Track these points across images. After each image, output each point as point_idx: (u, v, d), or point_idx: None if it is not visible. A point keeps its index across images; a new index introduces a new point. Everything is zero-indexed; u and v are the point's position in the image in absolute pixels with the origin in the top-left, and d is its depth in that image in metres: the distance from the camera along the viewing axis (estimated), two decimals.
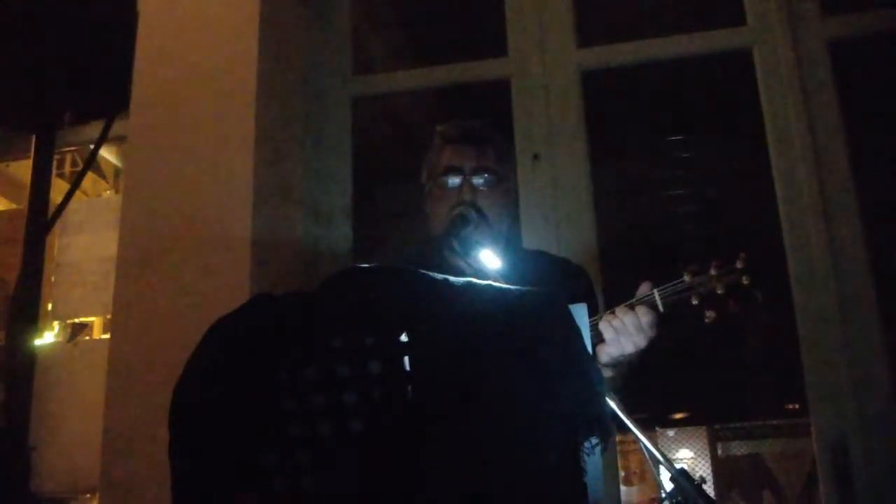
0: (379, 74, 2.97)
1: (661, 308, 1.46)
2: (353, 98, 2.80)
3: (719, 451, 6.71)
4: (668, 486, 1.12)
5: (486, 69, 2.78)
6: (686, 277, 1.44)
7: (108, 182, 3.55)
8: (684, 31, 2.67)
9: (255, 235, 2.16)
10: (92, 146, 1.76)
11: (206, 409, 0.87)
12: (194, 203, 2.21)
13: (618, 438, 2.65)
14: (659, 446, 1.20)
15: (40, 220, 1.38)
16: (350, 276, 0.94)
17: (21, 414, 1.31)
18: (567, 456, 0.86)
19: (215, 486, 0.84)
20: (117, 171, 3.38)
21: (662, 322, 1.48)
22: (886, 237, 2.53)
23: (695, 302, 1.43)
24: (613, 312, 1.48)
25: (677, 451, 6.64)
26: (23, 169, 3.17)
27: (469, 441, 0.83)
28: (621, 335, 1.46)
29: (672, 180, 4.85)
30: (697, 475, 1.13)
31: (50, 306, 2.75)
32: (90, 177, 3.37)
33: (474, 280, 0.94)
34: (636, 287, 1.51)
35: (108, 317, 2.58)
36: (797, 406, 5.78)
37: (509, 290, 0.95)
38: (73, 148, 3.08)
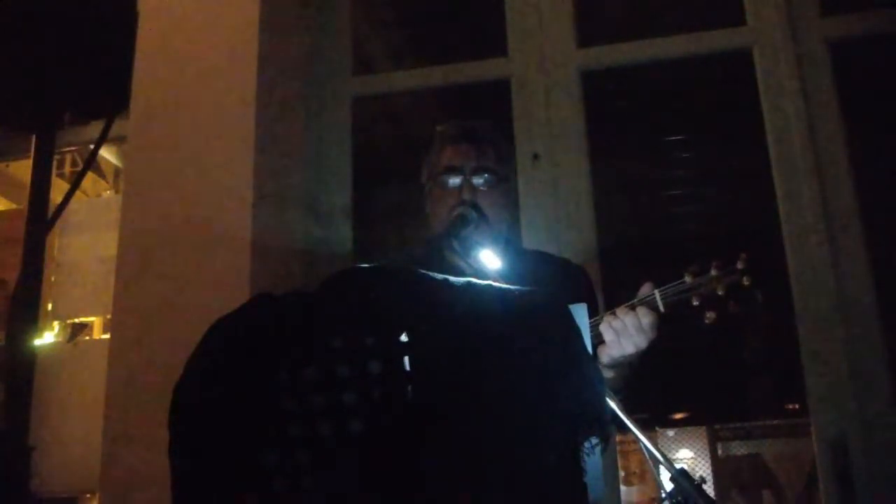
0: (379, 74, 2.98)
1: (661, 309, 1.46)
2: (353, 98, 2.80)
3: (719, 451, 6.70)
4: (668, 486, 1.12)
5: (486, 69, 2.79)
6: (687, 278, 1.44)
7: (108, 182, 3.55)
8: (684, 31, 2.67)
9: (255, 235, 2.16)
10: (92, 146, 1.75)
11: (206, 409, 0.87)
12: (194, 203, 2.21)
13: (618, 438, 2.65)
14: (659, 446, 1.19)
15: (40, 220, 1.38)
16: (350, 276, 0.94)
17: (21, 414, 1.31)
18: (567, 456, 0.86)
19: (215, 486, 0.84)
20: (117, 171, 3.39)
21: (663, 323, 1.48)
22: (886, 237, 2.53)
23: (695, 303, 1.43)
24: (614, 313, 1.48)
25: (677, 451, 6.63)
26: (23, 169, 3.17)
27: (469, 441, 0.83)
28: (621, 336, 1.46)
29: (672, 180, 4.85)
30: (697, 475, 1.13)
31: (50, 306, 2.75)
32: (90, 177, 3.37)
33: (474, 280, 0.94)
34: (636, 287, 1.51)
35: (108, 317, 2.58)
36: (797, 406, 5.78)
37: (509, 290, 0.95)
38: (73, 148, 3.08)
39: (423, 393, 0.84)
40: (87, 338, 2.98)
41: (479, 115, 1.85)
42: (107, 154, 3.19)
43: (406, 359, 0.85)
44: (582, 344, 0.96)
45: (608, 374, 1.53)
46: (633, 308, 1.47)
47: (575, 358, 0.92)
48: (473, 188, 1.71)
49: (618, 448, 2.66)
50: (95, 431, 2.11)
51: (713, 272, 1.42)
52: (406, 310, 0.88)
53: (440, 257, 1.74)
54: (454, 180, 1.73)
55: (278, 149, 2.41)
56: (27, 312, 1.33)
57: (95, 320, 3.02)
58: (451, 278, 0.92)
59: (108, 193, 3.47)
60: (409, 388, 0.84)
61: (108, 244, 2.62)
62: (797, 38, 2.51)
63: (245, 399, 0.85)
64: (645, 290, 1.49)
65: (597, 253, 2.47)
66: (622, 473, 6.05)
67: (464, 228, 1.62)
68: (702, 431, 6.70)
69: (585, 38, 2.70)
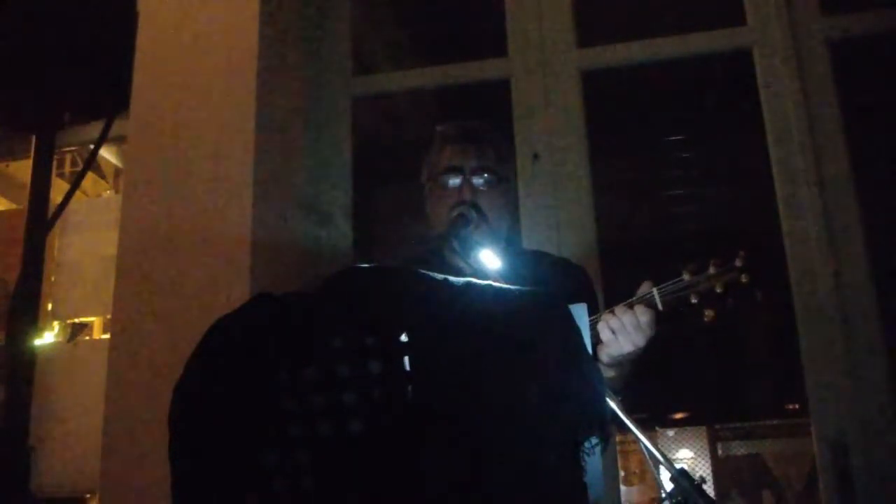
0: (379, 74, 2.98)
1: (659, 307, 1.46)
2: (353, 98, 2.80)
3: (719, 451, 6.71)
4: (668, 486, 1.12)
5: (486, 69, 2.79)
6: (685, 276, 1.44)
7: (108, 182, 3.55)
8: (684, 31, 2.67)
9: (255, 235, 2.16)
10: (92, 146, 1.75)
11: (206, 409, 0.87)
12: (194, 203, 2.21)
13: (618, 438, 2.65)
14: (659, 446, 1.19)
15: (40, 220, 1.38)
16: (350, 276, 0.94)
17: (21, 414, 1.31)
18: (567, 456, 0.86)
19: (215, 485, 0.84)
20: (117, 171, 3.39)
21: (662, 321, 1.48)
22: (886, 237, 2.53)
23: (694, 301, 1.43)
24: (612, 312, 1.48)
25: (677, 451, 6.64)
26: (23, 169, 3.17)
27: (469, 441, 0.83)
28: (620, 335, 1.46)
29: (672, 180, 4.85)
30: (697, 475, 1.13)
31: (50, 306, 2.75)
32: (90, 177, 3.37)
33: (474, 280, 0.94)
34: (636, 286, 1.51)
35: (108, 317, 2.58)
36: (797, 406, 5.78)
37: (509, 290, 0.95)
38: (73, 148, 3.08)
39: (423, 393, 0.84)
40: (87, 338, 2.98)
41: (479, 115, 1.85)
42: (107, 154, 3.19)
43: (406, 359, 0.85)
44: (582, 343, 0.96)
45: (609, 373, 1.53)
46: (630, 307, 1.47)
47: (575, 358, 0.92)
48: (473, 188, 1.71)
49: (618, 448, 2.66)
50: (95, 431, 2.11)
51: (711, 270, 1.42)
52: (406, 310, 0.88)
53: (440, 257, 1.74)
54: (454, 180, 1.72)
55: (278, 149, 2.41)
56: (27, 312, 1.33)
57: (95, 320, 3.02)
58: (451, 278, 0.92)
59: (108, 193, 3.47)
60: (409, 388, 0.84)
61: (108, 244, 2.62)
62: (797, 38, 2.51)
63: (245, 399, 0.85)
64: (644, 288, 1.49)
65: (597, 253, 2.47)
66: (622, 473, 6.05)
67: (464, 228, 1.62)
68: (702, 431, 6.70)
69: (585, 38, 2.70)
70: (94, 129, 1.48)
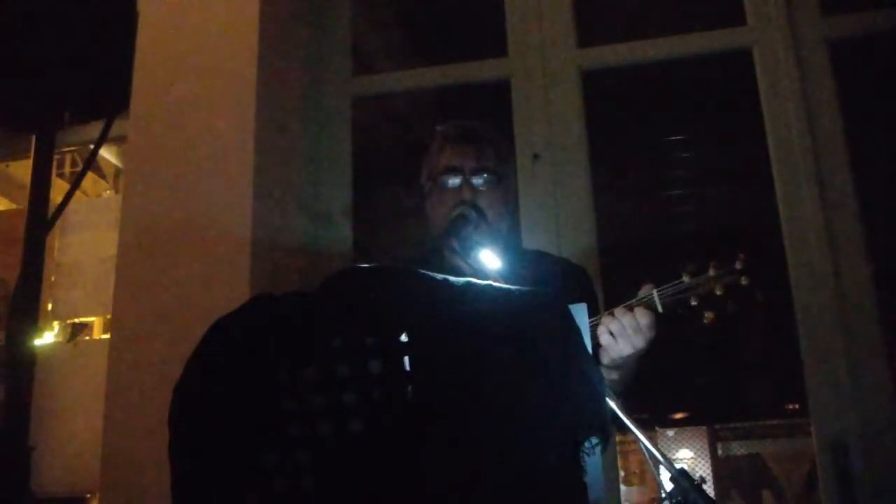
0: (379, 74, 2.98)
1: (659, 309, 1.46)
2: (353, 98, 2.80)
3: (719, 451, 6.71)
4: (668, 486, 1.12)
5: (486, 69, 2.79)
6: (685, 278, 1.44)
7: (108, 182, 3.55)
8: (684, 31, 2.67)
9: (255, 235, 2.16)
10: (92, 146, 1.75)
11: (206, 409, 0.87)
12: (194, 203, 2.21)
13: (618, 438, 2.65)
14: (659, 446, 1.19)
15: (40, 220, 1.38)
16: (350, 276, 0.94)
17: (21, 414, 1.31)
18: (567, 456, 0.86)
19: (215, 485, 0.84)
20: (117, 171, 3.39)
21: (661, 323, 1.48)
22: (886, 237, 2.53)
23: (693, 303, 1.43)
24: (612, 314, 1.48)
25: (677, 451, 6.63)
26: (23, 169, 3.17)
27: (469, 441, 0.83)
28: (620, 337, 1.46)
29: (672, 180, 4.85)
30: (697, 475, 1.13)
31: (50, 306, 2.75)
32: (90, 177, 3.37)
33: (474, 280, 0.94)
34: (635, 287, 1.51)
35: (108, 317, 2.58)
36: (797, 406, 5.78)
37: (509, 290, 0.95)
38: (73, 148, 3.08)
39: (423, 393, 0.84)
40: (87, 338, 2.98)
41: (479, 115, 1.85)
42: (107, 154, 3.19)
43: (406, 359, 0.85)
44: (582, 344, 0.96)
45: (611, 376, 1.53)
46: (630, 309, 1.47)
47: (575, 358, 0.92)
48: (473, 188, 1.71)
49: (618, 448, 2.66)
50: (95, 431, 2.11)
51: (711, 272, 1.42)
52: (406, 310, 0.88)
53: (440, 257, 1.74)
54: (454, 180, 1.72)
55: (278, 149, 2.41)
56: (27, 312, 1.33)
57: (95, 320, 3.02)
58: (451, 278, 0.92)
59: (108, 193, 3.47)
60: (409, 388, 0.84)
61: (108, 244, 2.62)
62: (797, 38, 2.51)
63: (245, 399, 0.85)
64: (645, 290, 1.49)
65: (597, 253, 2.47)
66: (622, 473, 6.05)
67: (464, 228, 1.62)
68: (702, 431, 6.70)
69: (585, 38, 2.70)
70: (94, 129, 1.48)
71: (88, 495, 2.55)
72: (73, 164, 3.42)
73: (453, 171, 1.73)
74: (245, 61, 2.32)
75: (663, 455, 1.17)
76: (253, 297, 0.93)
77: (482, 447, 0.83)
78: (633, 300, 1.48)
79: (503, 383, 0.85)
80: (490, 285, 0.95)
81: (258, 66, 2.32)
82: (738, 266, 1.41)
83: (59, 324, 2.89)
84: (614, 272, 2.46)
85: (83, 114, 1.51)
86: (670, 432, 6.77)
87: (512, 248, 1.80)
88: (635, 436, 1.20)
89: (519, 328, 0.90)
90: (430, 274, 0.92)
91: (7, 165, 3.41)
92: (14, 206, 3.50)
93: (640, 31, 2.71)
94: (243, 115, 2.27)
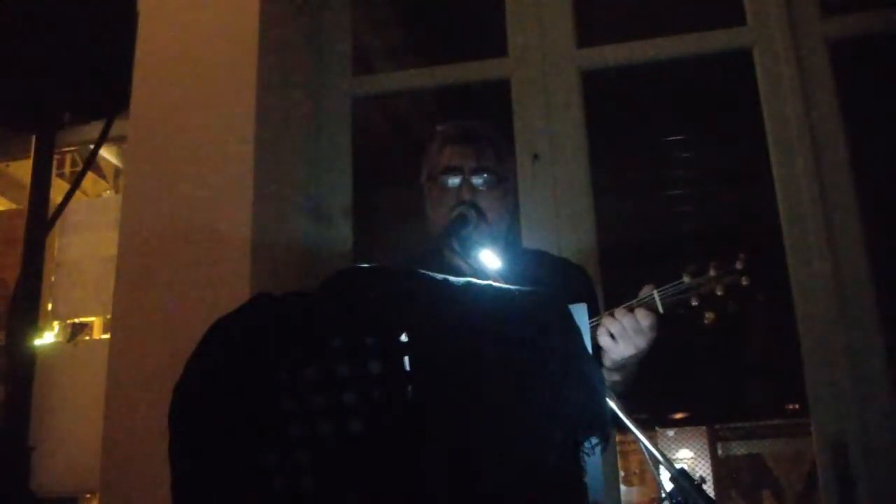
0: (379, 74, 2.98)
1: (660, 310, 1.46)
2: (353, 98, 2.80)
3: (719, 451, 6.70)
4: (668, 486, 1.12)
5: (486, 69, 2.79)
6: (685, 278, 1.44)
7: (108, 182, 3.55)
8: (684, 31, 2.67)
9: (255, 235, 2.16)
10: (92, 146, 1.75)
11: (206, 409, 0.87)
12: (194, 203, 2.21)
13: (618, 438, 2.65)
14: (659, 446, 1.19)
15: (40, 220, 1.38)
16: (350, 276, 0.94)
17: (21, 414, 1.31)
18: (567, 456, 0.86)
19: (215, 485, 0.84)
20: (117, 171, 3.39)
21: (662, 323, 1.48)
22: (886, 237, 2.53)
23: (694, 303, 1.43)
24: (612, 315, 1.48)
25: (677, 451, 6.63)
26: (23, 169, 3.17)
27: (469, 441, 0.83)
28: (621, 338, 1.45)
29: (672, 180, 4.85)
30: (697, 475, 1.13)
31: (50, 306, 2.75)
32: (90, 177, 3.37)
33: (474, 280, 0.94)
34: (636, 287, 1.51)
35: (108, 317, 2.58)
36: (797, 406, 5.78)
37: (509, 290, 0.95)
38: (73, 148, 3.08)
39: (423, 393, 0.84)
40: (87, 338, 2.98)
41: (479, 115, 1.85)
42: (107, 154, 3.19)
43: (406, 359, 0.85)
44: (582, 344, 0.96)
45: (614, 377, 1.53)
46: (631, 310, 1.47)
47: (575, 358, 0.92)
48: (473, 188, 1.71)
49: (618, 448, 2.66)
50: (95, 431, 2.11)
51: (712, 272, 1.42)
52: (406, 310, 0.88)
53: (440, 257, 1.74)
54: (454, 180, 1.72)
55: (278, 149, 2.41)
56: (27, 312, 1.33)
57: (95, 320, 3.02)
58: (451, 278, 0.92)
59: (108, 193, 3.47)
60: (409, 388, 0.84)
61: (108, 244, 2.62)
62: (797, 38, 2.51)
63: (245, 399, 0.85)
64: (646, 291, 1.49)
65: (597, 253, 2.47)
66: (622, 473, 6.05)
67: (463, 228, 1.62)
68: (702, 431, 6.70)
69: (585, 38, 2.70)
70: (94, 129, 1.48)
71: (88, 495, 2.56)
72: (73, 164, 3.42)
73: (453, 170, 1.73)
74: (245, 61, 2.32)
75: (663, 455, 1.17)
76: (253, 297, 0.93)
77: (482, 447, 0.83)
78: (634, 301, 1.48)
79: (503, 383, 0.85)
80: (490, 285, 0.95)
81: (258, 66, 2.32)
82: (738, 266, 1.41)
83: (59, 324, 2.89)
84: (614, 272, 2.46)
85: (83, 114, 1.51)
86: (670, 432, 6.76)
87: (512, 248, 1.80)
88: (635, 436, 1.20)
89: (519, 328, 0.90)
90: (430, 274, 0.92)
91: (7, 165, 3.41)
92: (14, 206, 3.50)
93: (640, 32, 2.71)
94: (243, 114, 2.27)
